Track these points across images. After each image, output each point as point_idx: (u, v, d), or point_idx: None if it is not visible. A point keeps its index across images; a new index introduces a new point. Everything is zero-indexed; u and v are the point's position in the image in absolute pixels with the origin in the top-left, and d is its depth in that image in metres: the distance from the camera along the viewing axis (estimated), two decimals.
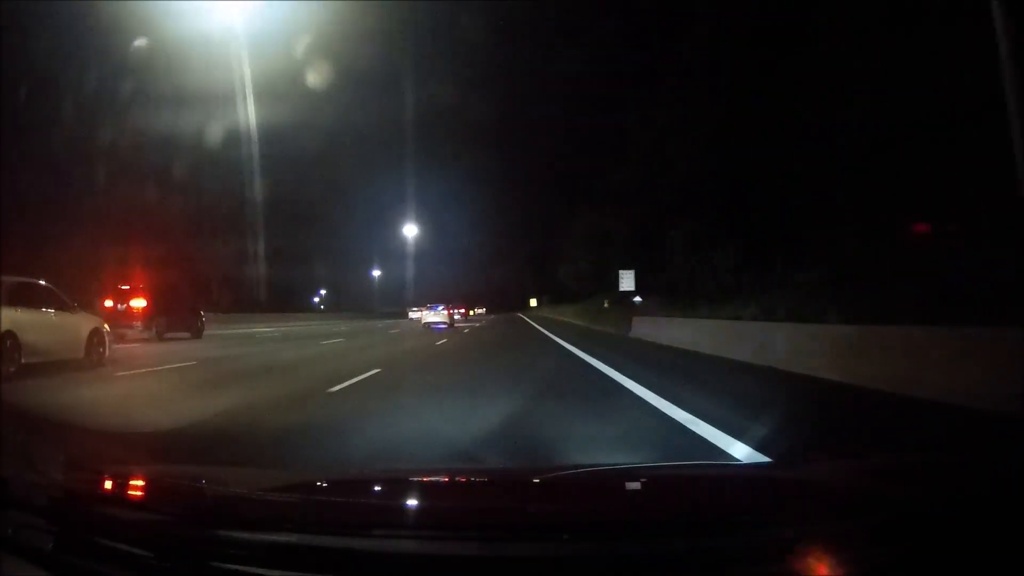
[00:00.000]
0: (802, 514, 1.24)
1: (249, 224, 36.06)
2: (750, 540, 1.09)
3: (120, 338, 15.47)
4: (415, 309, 34.03)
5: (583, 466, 2.50)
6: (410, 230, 59.37)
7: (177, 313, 18.04)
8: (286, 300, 48.38)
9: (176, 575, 1.13)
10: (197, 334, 18.58)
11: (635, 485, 1.78)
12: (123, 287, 16.73)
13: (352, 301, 67.66)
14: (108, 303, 16.62)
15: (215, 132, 25.90)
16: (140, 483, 1.56)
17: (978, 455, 1.96)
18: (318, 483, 1.76)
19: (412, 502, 1.49)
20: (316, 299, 62.85)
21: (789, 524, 1.15)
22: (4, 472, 1.38)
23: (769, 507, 1.37)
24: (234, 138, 26.59)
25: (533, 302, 72.80)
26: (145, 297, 16.58)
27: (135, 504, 1.38)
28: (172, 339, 16.86)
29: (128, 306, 16.27)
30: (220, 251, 38.13)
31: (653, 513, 1.34)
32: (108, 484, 1.48)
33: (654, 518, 1.26)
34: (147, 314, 16.38)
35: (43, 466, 1.51)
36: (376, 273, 70.11)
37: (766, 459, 3.48)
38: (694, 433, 4.21)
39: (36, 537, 1.24)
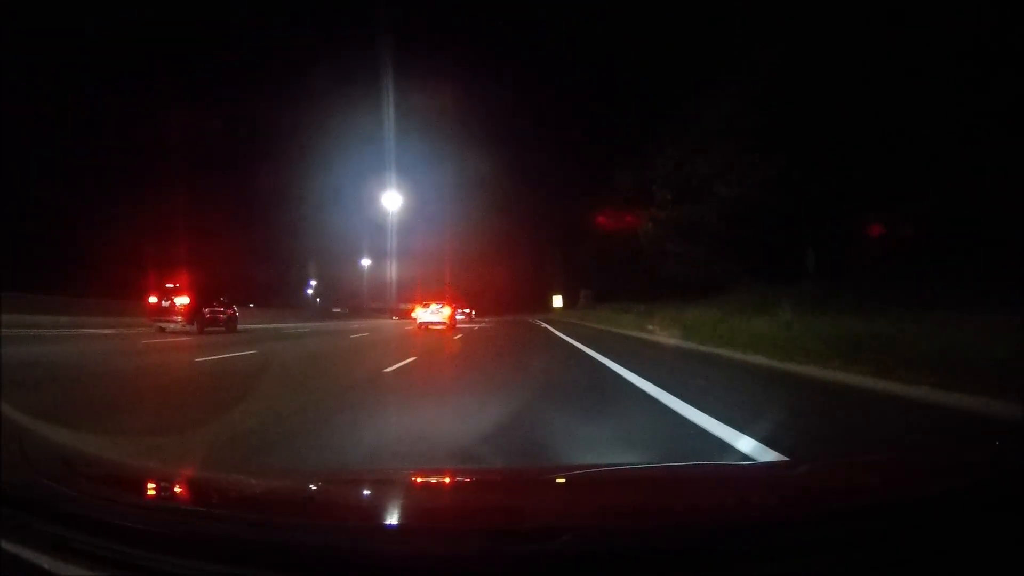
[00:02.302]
0: (809, 514, 1.26)
1: (251, 220, 36.37)
2: (756, 541, 1.10)
3: (162, 332, 16.73)
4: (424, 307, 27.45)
5: (589, 466, 2.49)
6: (393, 200, 51.83)
7: (215, 309, 19.24)
8: (281, 295, 46.67)
9: (175, 575, 1.14)
10: (232, 329, 19.78)
11: (638, 486, 1.80)
12: (168, 285, 17.98)
13: (346, 297, 62.66)
14: (152, 299, 17.92)
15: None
16: (140, 483, 1.56)
17: (985, 452, 1.96)
18: (316, 484, 1.76)
19: (413, 503, 1.52)
20: (310, 292, 58.41)
21: (796, 525, 1.18)
22: (3, 473, 1.39)
23: (776, 508, 1.40)
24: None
25: (557, 301, 52.73)
26: (189, 295, 17.75)
27: (134, 504, 1.37)
28: (210, 333, 17.88)
29: (172, 303, 17.49)
30: (219, 250, 38.46)
31: (658, 514, 1.36)
32: (107, 484, 1.47)
33: (659, 520, 1.29)
34: (191, 310, 17.56)
35: (41, 466, 1.50)
36: (366, 263, 62.49)
37: (772, 458, 3.45)
38: None
39: (36, 537, 1.24)
